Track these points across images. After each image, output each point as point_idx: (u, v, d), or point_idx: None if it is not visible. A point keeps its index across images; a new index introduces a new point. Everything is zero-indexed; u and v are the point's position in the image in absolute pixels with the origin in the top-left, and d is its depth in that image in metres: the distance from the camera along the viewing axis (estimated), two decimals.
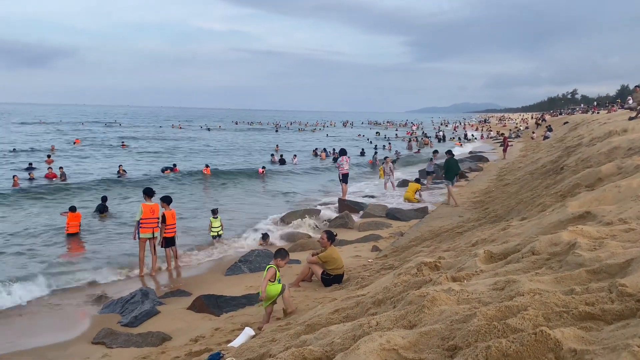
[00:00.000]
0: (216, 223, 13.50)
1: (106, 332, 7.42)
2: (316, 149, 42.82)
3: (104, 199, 17.35)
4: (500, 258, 3.93)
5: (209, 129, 78.79)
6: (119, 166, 27.73)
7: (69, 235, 13.77)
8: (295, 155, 36.19)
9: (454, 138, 58.70)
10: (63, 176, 24.85)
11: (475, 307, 2.69)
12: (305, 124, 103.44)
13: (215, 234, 13.46)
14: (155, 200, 11.48)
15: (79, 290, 9.86)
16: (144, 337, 7.24)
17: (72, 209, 14.35)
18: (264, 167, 29.18)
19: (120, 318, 8.21)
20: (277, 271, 7.05)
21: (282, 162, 34.26)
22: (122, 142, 46.39)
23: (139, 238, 10.86)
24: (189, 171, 28.26)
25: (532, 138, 45.55)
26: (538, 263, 3.37)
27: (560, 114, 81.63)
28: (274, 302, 7.10)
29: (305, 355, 2.97)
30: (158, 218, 11.10)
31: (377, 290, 4.43)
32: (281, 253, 7.26)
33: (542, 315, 2.36)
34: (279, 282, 7.05)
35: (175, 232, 11.55)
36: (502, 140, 35.26)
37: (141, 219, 10.87)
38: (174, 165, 29.47)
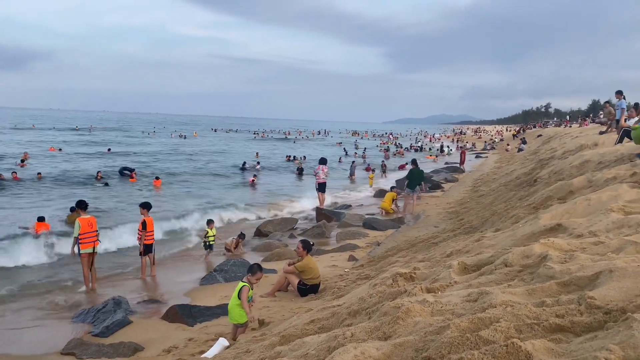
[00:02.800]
0: (212, 232, 13.00)
1: (76, 343, 7.25)
2: (288, 155, 43.06)
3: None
4: (474, 269, 3.98)
5: (184, 137, 77.91)
6: (98, 172, 27.57)
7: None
8: (258, 162, 36.33)
9: (431, 149, 59.36)
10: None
11: (449, 319, 2.71)
12: (287, 133, 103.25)
13: (212, 242, 12.93)
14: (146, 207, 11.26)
15: (48, 298, 9.63)
16: (116, 347, 7.09)
17: (41, 219, 13.99)
18: (255, 176, 28.99)
19: (92, 328, 8.03)
20: (251, 288, 6.97)
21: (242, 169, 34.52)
22: (108, 148, 45.59)
23: (80, 254, 10.19)
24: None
25: (507, 150, 46.39)
26: (510, 275, 3.42)
27: (534, 127, 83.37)
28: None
29: None
30: (97, 231, 10.56)
31: (352, 301, 4.44)
32: (253, 269, 7.11)
33: (514, 327, 2.40)
34: (250, 300, 6.97)
35: (154, 239, 11.38)
36: (461, 153, 35.89)
37: (80, 234, 10.25)
38: (133, 169, 29.38)
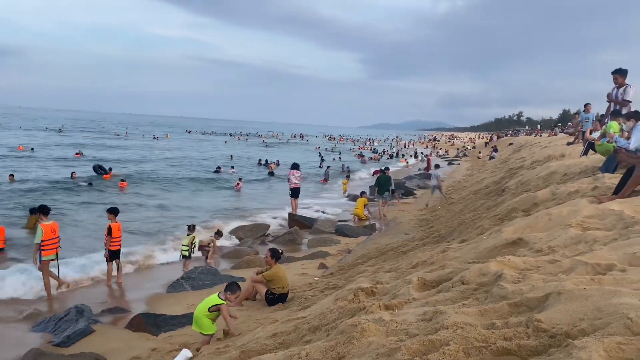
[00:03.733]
0: (185, 241, 12.19)
1: (35, 353, 7.04)
2: (260, 159, 42.99)
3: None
4: (433, 285, 4.03)
5: (157, 138, 76.87)
6: (72, 173, 27.18)
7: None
8: (232, 167, 36.19)
9: (404, 155, 59.91)
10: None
11: (402, 340, 2.74)
12: (264, 136, 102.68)
13: (185, 254, 12.11)
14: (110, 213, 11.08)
15: (6, 305, 9.37)
16: (76, 358, 6.92)
17: None
18: (240, 179, 28.86)
19: (52, 337, 7.84)
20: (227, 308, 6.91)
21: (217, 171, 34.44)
22: (79, 151, 44.40)
23: (41, 261, 9.91)
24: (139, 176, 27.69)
25: (479, 157, 47.14)
26: (466, 293, 3.47)
27: (506, 135, 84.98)
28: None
29: None
30: (59, 237, 10.31)
31: (315, 314, 4.44)
32: (233, 288, 7.03)
33: (462, 350, 2.43)
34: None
35: (120, 245, 11.15)
36: (426, 160, 36.55)
37: (42, 240, 9.92)
38: (110, 169, 28.92)
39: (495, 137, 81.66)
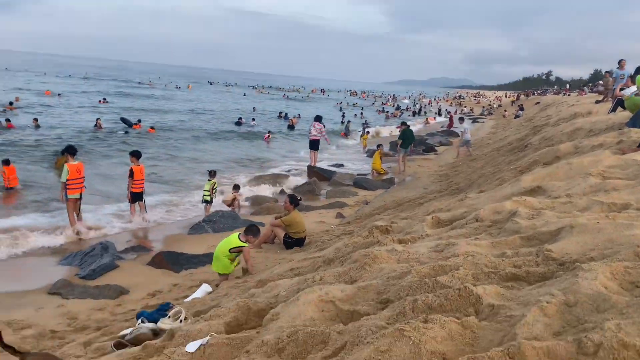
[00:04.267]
0: (207, 186, 12.49)
1: (63, 284, 7.42)
2: (281, 112, 42.79)
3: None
4: (447, 224, 4.08)
5: (178, 87, 76.86)
6: (97, 119, 27.18)
7: (10, 189, 13.42)
8: (253, 119, 36.11)
9: (426, 112, 59.01)
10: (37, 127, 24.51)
11: (413, 266, 2.81)
12: (285, 89, 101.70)
13: (207, 198, 12.41)
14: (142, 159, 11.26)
15: (36, 241, 9.76)
16: (101, 289, 7.26)
17: (6, 162, 13.82)
18: (270, 132, 28.89)
19: (78, 271, 8.19)
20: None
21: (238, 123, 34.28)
22: (104, 98, 44.59)
23: (67, 199, 10.28)
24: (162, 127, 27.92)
25: (504, 116, 46.20)
26: (480, 229, 3.52)
27: (533, 94, 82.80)
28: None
29: (250, 306, 3.06)
30: (84, 177, 10.61)
31: (330, 251, 4.55)
32: (254, 231, 7.26)
33: (472, 275, 2.50)
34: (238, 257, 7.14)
35: (143, 187, 11.43)
36: (449, 118, 35.88)
37: (68, 179, 10.25)
38: (139, 120, 28.96)
39: (522, 96, 79.69)
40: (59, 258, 8.92)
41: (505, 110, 50.93)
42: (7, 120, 24.16)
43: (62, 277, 7.84)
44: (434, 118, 50.34)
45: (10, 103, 32.12)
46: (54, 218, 11.24)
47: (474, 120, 46.69)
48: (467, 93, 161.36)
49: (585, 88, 52.38)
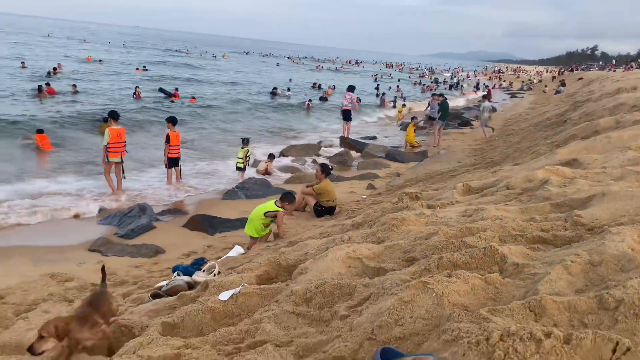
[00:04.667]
0: (241, 154, 12.79)
1: (102, 241, 7.76)
2: (315, 82, 42.54)
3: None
4: (477, 191, 4.08)
5: (214, 56, 77.17)
6: (136, 87, 27.40)
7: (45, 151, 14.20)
8: (289, 89, 36.02)
9: (463, 86, 57.67)
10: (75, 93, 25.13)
11: (440, 228, 2.85)
12: (320, 60, 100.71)
13: (240, 165, 12.78)
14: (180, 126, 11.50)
15: (78, 200, 10.19)
16: (139, 248, 7.57)
17: (39, 131, 14.51)
18: (310, 100, 29.44)
19: (117, 230, 8.53)
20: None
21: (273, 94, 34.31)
22: (143, 66, 45.18)
23: (107, 162, 10.69)
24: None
25: (544, 92, 44.81)
26: (510, 196, 3.52)
27: (576, 69, 79.74)
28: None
29: (280, 262, 3.18)
30: (125, 142, 10.93)
31: (359, 217, 4.62)
32: (290, 198, 7.43)
33: (498, 237, 2.53)
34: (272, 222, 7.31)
35: (179, 153, 11.71)
36: (487, 92, 34.94)
37: (108, 143, 10.60)
38: (176, 89, 29.21)
39: (565, 72, 76.90)
40: (99, 218, 9.29)
41: (545, 86, 49.34)
42: (47, 84, 24.77)
43: (101, 235, 8.20)
44: (475, 92, 49.21)
45: (54, 69, 32.96)
46: (95, 181, 11.66)
47: (513, 95, 45.48)
48: (507, 67, 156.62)
49: (632, 64, 50.13)
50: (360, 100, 29.90)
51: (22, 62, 34.94)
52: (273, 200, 7.44)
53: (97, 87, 29.63)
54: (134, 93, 26.64)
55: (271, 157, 14.02)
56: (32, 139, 14.60)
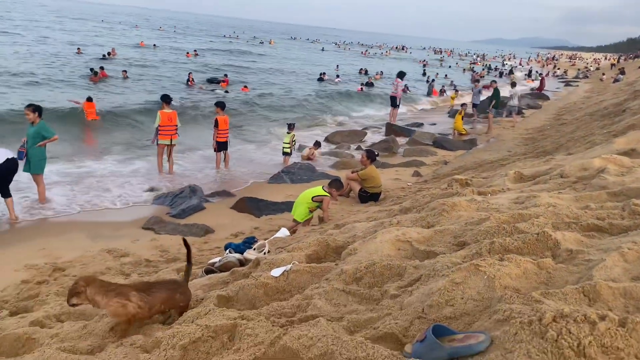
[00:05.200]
0: (287, 139, 13.05)
1: (155, 220, 8.08)
2: (362, 68, 42.26)
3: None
4: (529, 179, 4.02)
5: (261, 42, 77.77)
6: (189, 73, 27.81)
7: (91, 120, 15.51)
8: (338, 76, 35.86)
9: (514, 73, 55.86)
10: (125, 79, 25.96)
11: (491, 214, 2.85)
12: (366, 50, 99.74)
13: (287, 151, 13.03)
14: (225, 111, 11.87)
15: (133, 178, 10.66)
16: (189, 227, 7.84)
17: (89, 99, 15.99)
18: (362, 84, 30.26)
19: (169, 210, 8.86)
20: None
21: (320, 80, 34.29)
22: (194, 50, 46.11)
23: (158, 144, 11.08)
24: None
25: (602, 80, 42.89)
26: (564, 185, 3.45)
27: (637, 57, 75.74)
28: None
29: (328, 243, 3.25)
30: (176, 125, 11.23)
31: (407, 202, 4.63)
32: (337, 184, 7.54)
33: (552, 224, 2.51)
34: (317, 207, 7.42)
35: (227, 137, 11.96)
36: (540, 80, 33.67)
37: (159, 125, 10.97)
38: (226, 75, 29.63)
39: (624, 59, 73.20)
40: (152, 198, 9.66)
41: (603, 74, 47.19)
42: (101, 67, 25.74)
43: (155, 214, 8.53)
44: (532, 80, 47.61)
45: (108, 53, 34.11)
46: (146, 163, 12.10)
47: (567, 84, 43.78)
48: (562, 54, 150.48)
49: None
50: (408, 89, 29.58)
51: (78, 48, 36.23)
52: (321, 186, 7.56)
53: (149, 72, 30.45)
54: (187, 80, 27.08)
55: (317, 144, 14.12)
56: (80, 104, 15.61)
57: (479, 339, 1.62)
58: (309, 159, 13.56)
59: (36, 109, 8.59)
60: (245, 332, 2.10)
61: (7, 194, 8.09)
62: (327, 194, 7.35)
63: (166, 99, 11.29)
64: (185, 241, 2.85)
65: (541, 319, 1.50)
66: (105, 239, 7.45)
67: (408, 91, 30.31)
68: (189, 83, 26.72)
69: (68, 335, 2.82)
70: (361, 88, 28.79)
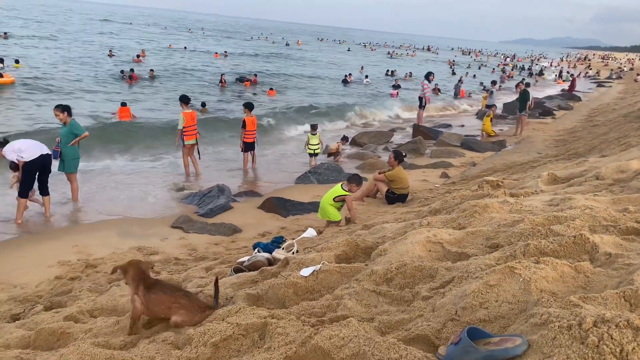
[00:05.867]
0: (314, 140, 12.97)
1: (184, 219, 8.18)
2: (388, 70, 42.05)
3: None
4: (564, 181, 3.93)
5: (287, 44, 78.09)
6: (222, 75, 28.15)
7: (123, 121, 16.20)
8: (367, 76, 35.72)
9: (544, 74, 54.78)
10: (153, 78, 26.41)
11: (525, 216, 2.79)
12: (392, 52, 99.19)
13: (312, 152, 13.00)
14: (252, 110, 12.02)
15: (161, 177, 10.84)
16: (217, 226, 7.92)
17: (123, 104, 16.81)
18: (396, 88, 30.29)
19: (198, 209, 8.96)
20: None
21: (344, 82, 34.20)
22: (225, 51, 46.71)
23: (184, 145, 11.14)
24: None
25: (636, 81, 41.74)
26: (600, 187, 3.36)
27: None
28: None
29: (358, 243, 3.24)
30: (197, 124, 11.33)
31: (437, 203, 4.58)
32: (356, 179, 7.38)
33: (588, 227, 2.44)
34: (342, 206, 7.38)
35: (255, 137, 12.03)
36: (571, 81, 32.89)
37: (184, 127, 11.02)
38: (255, 75, 29.88)
39: None
40: (181, 197, 9.80)
41: (637, 74, 45.93)
42: (132, 70, 26.35)
43: (184, 212, 8.65)
44: (562, 81, 46.67)
45: (137, 56, 34.79)
46: (173, 163, 12.29)
47: (599, 84, 42.74)
48: (594, 54, 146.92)
49: None
50: (440, 91, 29.34)
51: (110, 51, 36.99)
52: (340, 184, 7.43)
53: (180, 73, 30.90)
54: (220, 81, 27.50)
55: (345, 139, 14.13)
56: (115, 114, 16.42)
57: (516, 342, 1.59)
58: (336, 152, 13.55)
59: (65, 108, 8.79)
60: (276, 331, 2.11)
61: (45, 192, 8.34)
62: (347, 193, 7.25)
63: (185, 99, 11.35)
64: (216, 283, 2.89)
65: (581, 323, 1.46)
66: (136, 237, 7.58)
67: (440, 93, 30.04)
68: (221, 84, 27.10)
69: (101, 330, 2.88)
70: (397, 92, 28.53)
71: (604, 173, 3.52)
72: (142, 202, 9.48)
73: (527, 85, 19.30)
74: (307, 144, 13.07)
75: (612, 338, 1.37)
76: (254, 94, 25.77)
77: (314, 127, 13.38)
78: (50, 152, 8.31)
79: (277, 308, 2.60)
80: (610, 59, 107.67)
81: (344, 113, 22.65)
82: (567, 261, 2.06)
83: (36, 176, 8.14)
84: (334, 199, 7.33)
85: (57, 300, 4.68)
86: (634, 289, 1.65)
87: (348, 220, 7.47)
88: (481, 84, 37.97)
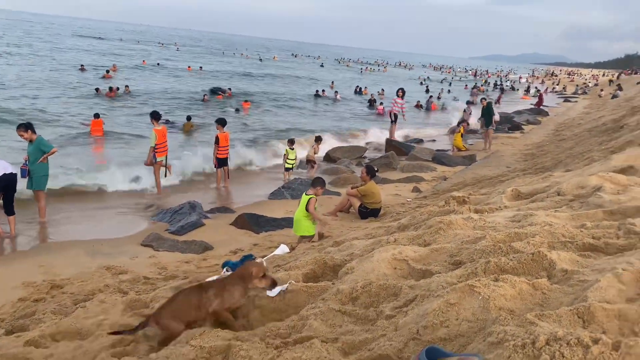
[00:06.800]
0: (292, 155, 12.97)
1: (154, 237, 8.05)
2: (357, 86, 42.54)
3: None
4: (527, 197, 4.03)
5: (260, 60, 78.26)
6: (204, 95, 28.37)
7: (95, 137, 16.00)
8: (336, 92, 36.08)
9: (514, 88, 56.14)
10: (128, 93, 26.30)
11: (487, 233, 2.85)
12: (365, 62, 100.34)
13: (290, 166, 12.99)
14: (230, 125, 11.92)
15: (131, 197, 10.64)
16: (188, 244, 7.82)
17: (96, 115, 16.55)
18: (382, 103, 30.40)
19: (168, 226, 8.84)
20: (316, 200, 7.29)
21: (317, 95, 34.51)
22: (200, 67, 46.75)
23: (156, 162, 10.95)
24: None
25: (600, 96, 43.11)
26: (561, 203, 3.46)
27: (636, 73, 76.19)
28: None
29: (326, 261, 3.25)
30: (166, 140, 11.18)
31: (405, 219, 4.63)
32: (320, 182, 7.37)
33: (547, 243, 2.51)
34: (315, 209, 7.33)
35: (228, 154, 11.97)
36: (538, 96, 33.92)
37: (156, 144, 10.86)
38: (229, 88, 29.96)
39: (622, 75, 73.63)
40: (151, 214, 9.65)
41: (601, 90, 47.44)
42: (110, 88, 26.11)
43: (153, 231, 8.51)
44: (529, 97, 47.92)
45: (107, 71, 34.41)
46: (145, 178, 12.11)
47: (566, 99, 43.99)
48: (560, 70, 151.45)
49: None
50: (422, 106, 29.64)
51: (82, 65, 36.49)
52: (304, 193, 7.38)
53: (157, 88, 30.69)
54: (202, 98, 27.84)
55: (318, 139, 14.23)
56: (88, 125, 15.99)
57: None
58: (314, 153, 13.78)
59: (27, 126, 8.60)
60: (239, 354, 2.09)
61: (11, 212, 8.11)
62: (313, 195, 7.20)
63: (156, 116, 11.18)
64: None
65: (535, 342, 1.49)
66: (104, 256, 7.42)
67: (403, 111, 30.44)
68: (204, 99, 27.66)
69: (62, 355, 2.81)
70: (382, 108, 28.71)
71: (564, 189, 3.62)
72: (112, 220, 9.31)
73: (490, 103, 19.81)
74: (286, 158, 13.03)
75: (563, 356, 1.41)
76: (237, 109, 25.75)
77: (291, 142, 13.40)
78: (15, 172, 8.11)
79: (243, 329, 2.58)
80: (576, 75, 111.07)
81: (317, 127, 22.75)
82: (526, 278, 2.11)
83: (0, 195, 7.94)
84: (306, 209, 7.29)
85: (19, 323, 4.53)
86: (586, 306, 1.70)
87: (321, 236, 7.47)
88: (454, 98, 38.63)
